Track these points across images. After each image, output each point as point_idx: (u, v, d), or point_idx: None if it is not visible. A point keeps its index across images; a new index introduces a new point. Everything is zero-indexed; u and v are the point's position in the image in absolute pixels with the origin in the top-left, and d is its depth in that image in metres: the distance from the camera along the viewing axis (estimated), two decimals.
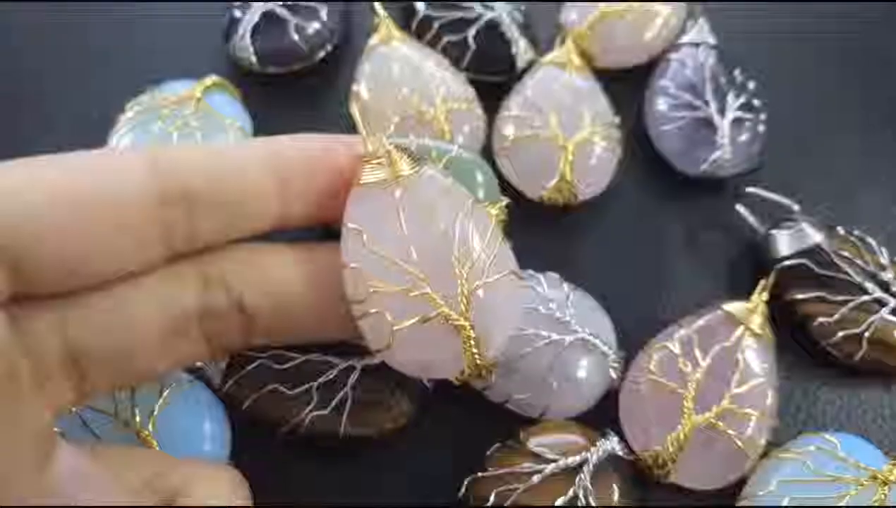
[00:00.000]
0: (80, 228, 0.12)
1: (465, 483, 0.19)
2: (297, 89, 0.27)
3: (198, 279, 0.15)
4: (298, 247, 0.17)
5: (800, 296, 0.22)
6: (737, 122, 0.25)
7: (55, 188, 0.12)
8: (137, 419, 0.18)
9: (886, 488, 0.19)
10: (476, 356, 0.16)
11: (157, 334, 0.15)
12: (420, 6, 0.27)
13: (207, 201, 0.15)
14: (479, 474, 0.19)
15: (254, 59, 0.26)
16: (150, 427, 0.18)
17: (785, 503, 0.19)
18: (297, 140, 0.17)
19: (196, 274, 0.16)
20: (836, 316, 0.22)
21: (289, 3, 0.26)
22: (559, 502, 0.18)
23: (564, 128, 0.24)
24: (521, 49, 0.26)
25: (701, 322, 0.21)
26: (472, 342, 0.16)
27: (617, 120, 0.25)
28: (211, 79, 0.24)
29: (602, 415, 0.20)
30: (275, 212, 0.16)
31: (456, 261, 0.16)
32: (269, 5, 0.26)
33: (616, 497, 0.19)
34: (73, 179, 0.13)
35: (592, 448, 0.19)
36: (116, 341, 0.14)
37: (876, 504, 0.19)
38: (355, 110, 0.17)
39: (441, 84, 0.24)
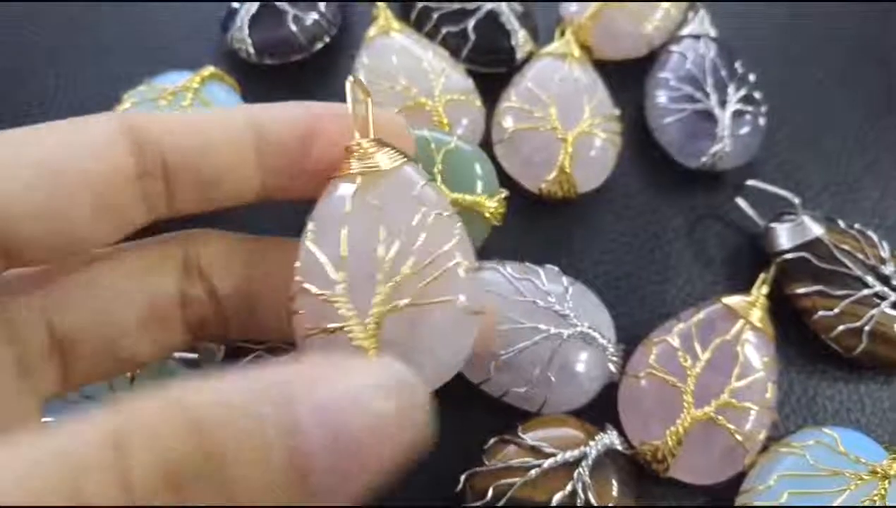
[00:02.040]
0: (58, 205, 0.12)
1: (464, 477, 0.19)
2: (295, 80, 0.26)
3: (177, 265, 0.15)
4: (272, 241, 0.17)
5: (800, 290, 0.22)
6: (737, 115, 0.25)
7: (30, 166, 0.12)
8: None
9: (886, 482, 0.19)
10: None
11: (139, 319, 0.15)
12: None
13: (185, 174, 0.14)
14: (477, 468, 0.19)
15: (251, 50, 0.26)
16: None
17: (784, 497, 0.19)
18: (282, 110, 0.16)
19: (176, 261, 0.15)
20: (837, 310, 0.22)
21: None
22: (557, 496, 0.18)
23: (564, 120, 0.24)
24: (521, 40, 0.26)
25: (700, 315, 0.21)
26: None
27: (617, 112, 0.25)
28: (208, 69, 0.24)
29: (601, 409, 0.20)
30: (256, 184, 0.16)
31: (381, 276, 0.14)
32: None
33: (615, 491, 0.19)
34: (48, 155, 0.12)
35: (591, 443, 0.19)
36: (99, 327, 0.14)
37: (876, 498, 0.19)
38: (351, 88, 0.15)
39: (440, 75, 0.24)
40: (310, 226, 0.15)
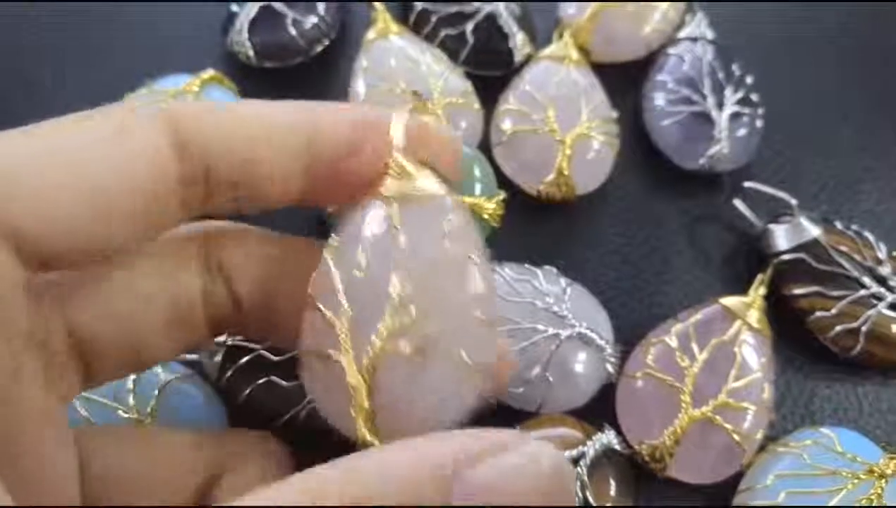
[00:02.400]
0: (100, 225, 0.12)
1: None
2: (294, 83, 0.27)
3: (199, 263, 0.15)
4: (295, 242, 0.17)
5: (797, 291, 0.22)
6: (735, 117, 0.25)
7: (74, 189, 0.12)
8: (136, 410, 0.18)
9: (883, 481, 0.19)
10: (366, 431, 0.13)
11: (162, 320, 0.14)
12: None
13: (228, 181, 0.14)
14: None
15: (251, 53, 0.26)
16: (149, 419, 0.18)
17: (781, 496, 0.19)
18: (336, 114, 0.15)
19: (198, 259, 0.15)
20: (834, 311, 0.22)
21: None
22: None
23: (562, 123, 0.24)
24: (519, 43, 0.26)
25: (698, 316, 0.21)
26: (363, 411, 0.13)
27: (615, 114, 0.25)
28: (208, 73, 0.24)
29: (599, 410, 0.20)
30: (296, 192, 0.15)
31: (389, 312, 0.13)
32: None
33: (613, 491, 0.19)
34: (93, 174, 0.12)
35: (589, 443, 0.19)
36: (121, 328, 0.14)
37: (873, 498, 0.19)
38: (411, 100, 0.14)
39: (439, 78, 0.24)
40: (332, 239, 0.14)
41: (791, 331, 0.22)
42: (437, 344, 0.13)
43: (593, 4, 0.26)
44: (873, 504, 0.19)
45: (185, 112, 0.13)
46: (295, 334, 0.14)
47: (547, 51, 0.26)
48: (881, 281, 0.22)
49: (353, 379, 0.13)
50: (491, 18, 0.26)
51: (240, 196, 0.14)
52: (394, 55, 0.25)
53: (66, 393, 0.13)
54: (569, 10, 0.27)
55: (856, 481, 0.19)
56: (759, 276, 0.22)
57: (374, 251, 0.13)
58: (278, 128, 0.14)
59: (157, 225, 0.13)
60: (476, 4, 0.26)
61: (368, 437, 0.13)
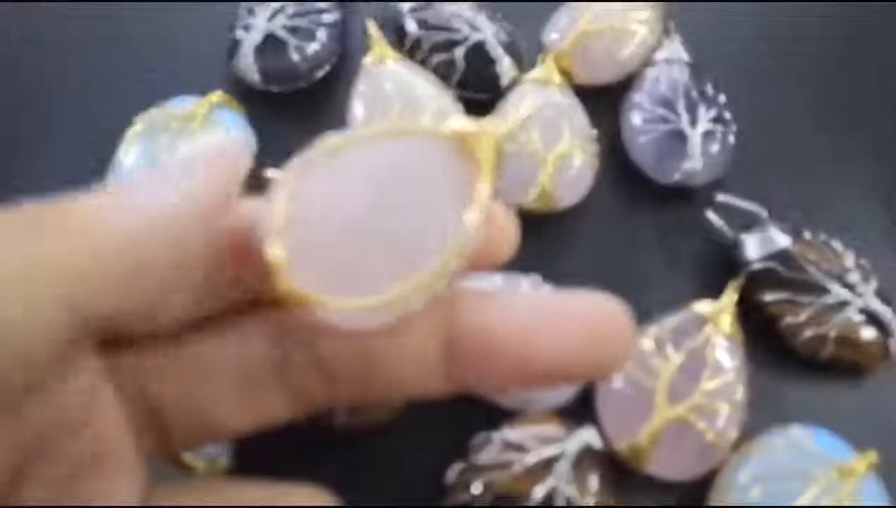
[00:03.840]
0: (160, 277, 0.12)
1: (447, 473, 0.20)
2: (298, 105, 0.28)
3: (271, 327, 0.14)
4: None
5: (768, 298, 0.23)
6: (708, 135, 0.26)
7: (133, 231, 0.11)
8: None
9: (853, 480, 0.20)
10: None
11: (230, 389, 0.13)
12: (411, 27, 0.29)
13: None
14: (461, 464, 0.20)
15: (257, 77, 0.28)
16: None
17: (755, 494, 0.20)
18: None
19: (270, 323, 0.14)
20: (803, 317, 0.23)
21: (288, 25, 0.28)
22: (539, 491, 0.19)
23: (545, 142, 0.25)
24: (506, 68, 0.28)
25: (673, 321, 0.22)
26: None
27: (594, 133, 0.26)
28: (216, 95, 0.26)
29: (583, 409, 0.22)
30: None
31: None
32: (271, 27, 0.28)
33: (594, 487, 0.20)
34: (147, 224, 0.12)
35: (571, 440, 0.20)
36: (189, 397, 0.13)
37: (843, 496, 0.20)
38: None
39: (431, 101, 0.26)
40: None
41: (763, 336, 0.23)
42: None
43: (575, 31, 0.28)
44: (843, 504, 0.19)
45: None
46: (412, 380, 0.13)
47: (531, 75, 0.27)
48: (849, 287, 0.23)
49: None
50: (479, 45, 0.28)
51: None
52: (390, 80, 0.27)
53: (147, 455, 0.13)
54: (552, 35, 0.29)
55: (827, 480, 0.20)
56: (731, 283, 0.23)
57: None
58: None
59: (223, 288, 0.13)
60: (465, 32, 0.28)
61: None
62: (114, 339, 0.12)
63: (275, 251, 0.12)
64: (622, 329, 0.13)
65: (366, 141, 0.13)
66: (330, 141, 0.13)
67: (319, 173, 0.13)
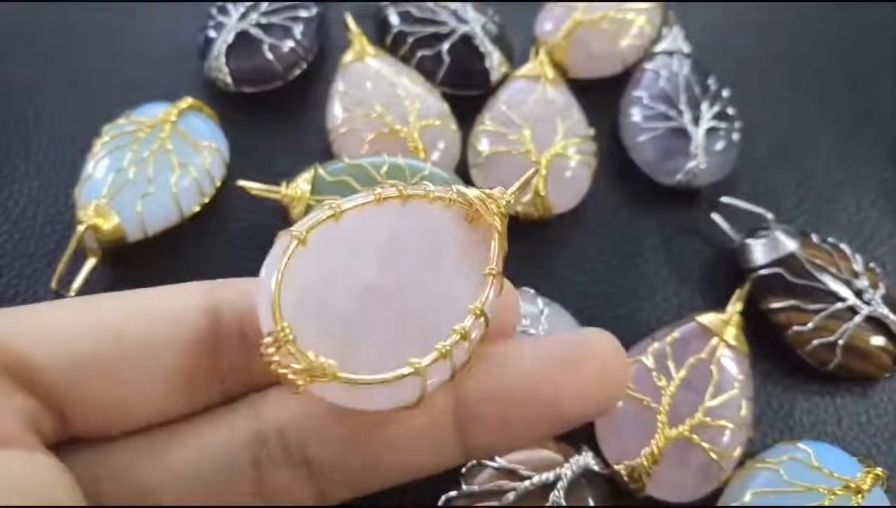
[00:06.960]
0: (128, 374, 0.12)
1: (441, 501, 0.19)
2: (273, 108, 0.27)
3: (248, 436, 0.13)
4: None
5: (774, 305, 0.22)
6: (711, 132, 0.25)
7: (103, 332, 0.12)
8: None
9: (860, 496, 0.19)
10: None
11: (208, 498, 0.13)
12: (394, 21, 0.27)
13: None
14: (455, 492, 0.19)
15: (228, 79, 0.26)
16: None
17: None
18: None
19: (246, 431, 0.13)
20: (811, 325, 0.22)
21: (262, 22, 0.26)
22: None
23: (538, 142, 0.24)
24: (496, 62, 0.26)
25: (675, 334, 0.21)
26: None
27: (591, 131, 0.25)
28: (186, 101, 0.24)
29: (578, 430, 0.21)
30: None
31: None
32: (243, 25, 0.26)
33: None
34: (121, 323, 0.12)
35: (567, 464, 0.19)
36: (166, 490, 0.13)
37: None
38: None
39: (415, 101, 0.24)
40: None
41: (769, 346, 0.22)
42: None
43: (569, 21, 0.26)
44: None
45: (219, 287, 0.13)
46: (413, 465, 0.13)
47: (523, 70, 0.26)
48: (858, 293, 0.22)
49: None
50: (467, 38, 0.26)
51: None
52: (370, 78, 0.25)
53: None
54: (545, 27, 0.27)
55: (833, 496, 0.19)
56: (737, 292, 0.22)
57: None
58: None
59: (191, 391, 0.13)
60: (452, 25, 0.26)
61: None
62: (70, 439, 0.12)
63: (274, 322, 0.11)
64: (621, 362, 0.13)
65: (368, 206, 0.13)
66: (331, 206, 0.12)
67: (320, 241, 0.12)
